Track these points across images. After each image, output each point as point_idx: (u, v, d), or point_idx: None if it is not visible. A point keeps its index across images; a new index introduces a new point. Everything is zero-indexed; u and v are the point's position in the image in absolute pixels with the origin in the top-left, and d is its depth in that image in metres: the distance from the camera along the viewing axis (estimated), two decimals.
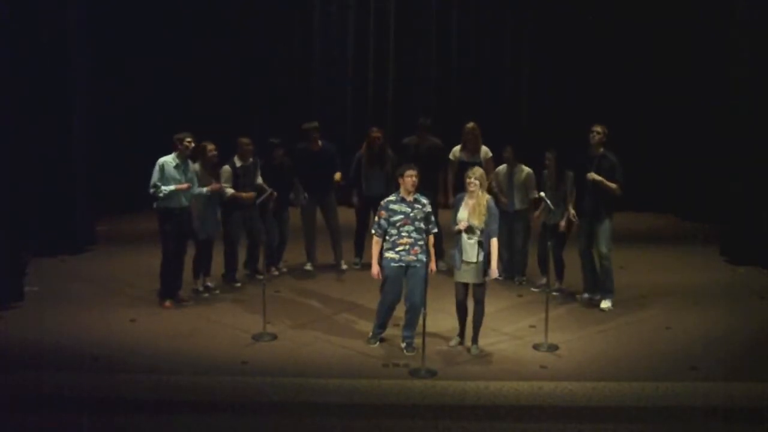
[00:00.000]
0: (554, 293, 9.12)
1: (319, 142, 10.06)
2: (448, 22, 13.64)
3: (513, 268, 9.78)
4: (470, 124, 9.93)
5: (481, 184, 7.60)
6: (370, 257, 7.94)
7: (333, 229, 10.30)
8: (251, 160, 9.50)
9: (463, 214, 7.61)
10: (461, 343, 7.89)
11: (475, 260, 7.56)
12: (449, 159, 9.98)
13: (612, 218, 8.81)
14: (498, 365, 7.49)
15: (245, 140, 9.47)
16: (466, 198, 7.68)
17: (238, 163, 9.40)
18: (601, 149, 8.74)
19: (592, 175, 8.65)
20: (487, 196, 7.71)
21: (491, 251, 7.58)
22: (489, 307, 8.79)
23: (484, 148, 9.95)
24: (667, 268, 10.48)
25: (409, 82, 13.76)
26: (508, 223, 9.62)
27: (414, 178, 7.65)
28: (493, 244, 7.60)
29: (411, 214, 7.66)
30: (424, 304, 7.45)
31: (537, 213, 9.45)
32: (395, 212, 7.67)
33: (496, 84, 13.74)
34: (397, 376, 7.23)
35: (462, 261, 7.61)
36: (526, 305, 9.04)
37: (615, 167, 8.66)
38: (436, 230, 7.90)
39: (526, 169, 9.56)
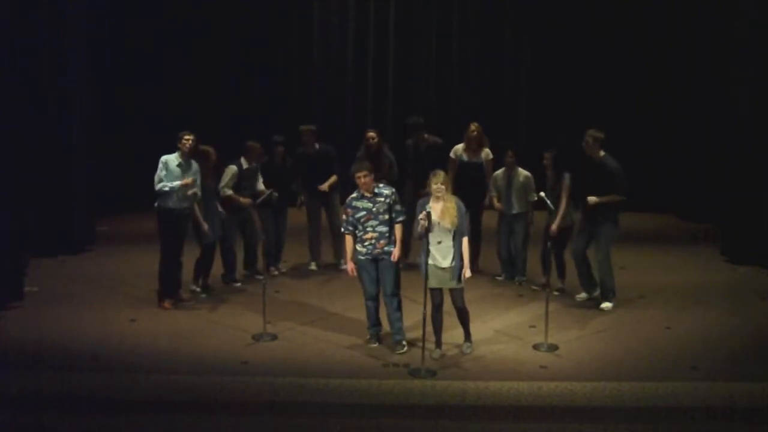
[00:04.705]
0: (555, 293, 9.11)
1: (316, 145, 10.09)
2: (449, 23, 13.63)
3: (513, 269, 9.80)
4: (474, 125, 9.90)
5: (446, 189, 7.37)
6: None
7: (334, 228, 10.30)
8: (255, 164, 9.53)
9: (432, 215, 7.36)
10: (444, 354, 7.63)
11: (448, 265, 7.38)
12: (450, 157, 9.95)
13: (615, 223, 8.73)
14: (498, 365, 7.48)
15: (255, 144, 9.50)
16: (431, 202, 7.39)
17: (245, 165, 9.44)
18: (602, 153, 8.68)
19: (591, 200, 8.60)
20: (454, 197, 7.49)
21: (463, 250, 7.40)
22: (489, 308, 8.84)
23: (486, 150, 9.94)
24: (667, 268, 10.48)
25: (409, 83, 13.75)
26: (508, 225, 9.67)
27: (364, 179, 7.60)
28: (465, 243, 7.43)
29: (373, 209, 7.66)
30: (420, 299, 7.37)
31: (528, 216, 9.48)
32: (358, 209, 7.69)
33: (496, 84, 13.72)
34: (397, 376, 7.22)
35: (433, 266, 7.35)
36: (526, 305, 9.04)
37: (613, 174, 8.57)
38: (402, 218, 7.80)
39: (524, 173, 9.57)
